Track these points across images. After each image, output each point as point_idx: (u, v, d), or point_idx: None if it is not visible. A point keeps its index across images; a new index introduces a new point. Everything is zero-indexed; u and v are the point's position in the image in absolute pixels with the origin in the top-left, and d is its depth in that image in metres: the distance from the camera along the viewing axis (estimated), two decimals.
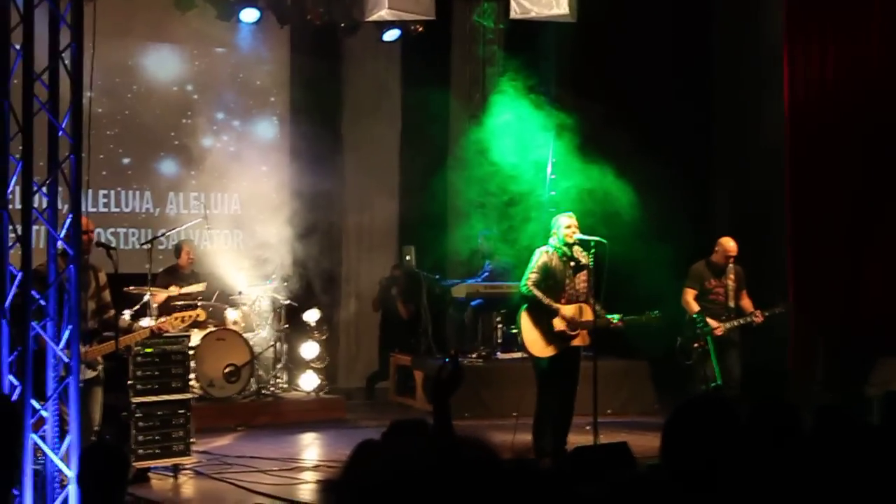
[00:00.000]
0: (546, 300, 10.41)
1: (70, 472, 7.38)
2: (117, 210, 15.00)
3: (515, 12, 14.13)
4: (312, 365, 14.16)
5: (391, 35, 15.63)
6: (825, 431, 5.22)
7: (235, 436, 12.52)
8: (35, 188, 7.53)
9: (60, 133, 7.58)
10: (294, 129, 16.02)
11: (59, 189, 7.68)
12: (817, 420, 5.34)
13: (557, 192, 14.48)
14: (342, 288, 16.55)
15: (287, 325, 14.05)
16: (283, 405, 13.64)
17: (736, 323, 11.85)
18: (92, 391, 9.24)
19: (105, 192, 14.91)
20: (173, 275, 13.56)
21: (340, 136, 16.44)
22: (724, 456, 4.03)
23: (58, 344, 7.56)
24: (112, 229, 14.74)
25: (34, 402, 7.43)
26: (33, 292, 7.45)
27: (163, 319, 10.33)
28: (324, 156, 15.76)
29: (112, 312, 9.63)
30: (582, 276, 10.57)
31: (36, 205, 7.61)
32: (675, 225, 14.58)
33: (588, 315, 10.45)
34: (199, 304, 13.16)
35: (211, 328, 13.22)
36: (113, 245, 9.41)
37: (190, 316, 10.24)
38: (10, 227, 7.53)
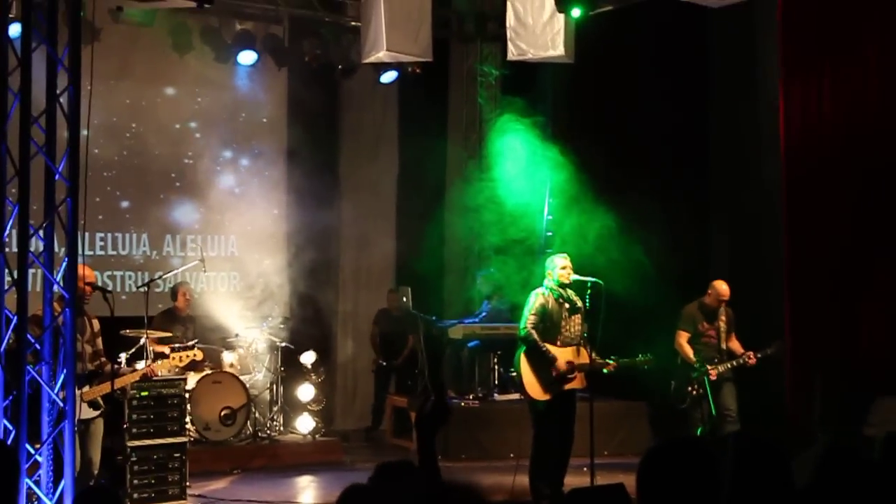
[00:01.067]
0: (543, 348, 10.40)
1: None
2: (114, 253, 14.93)
3: (513, 54, 14.14)
4: (309, 407, 14.13)
5: (388, 77, 15.67)
6: (834, 472, 5.21)
7: (231, 479, 12.43)
8: (31, 231, 7.53)
9: (57, 177, 7.59)
10: (292, 170, 16.01)
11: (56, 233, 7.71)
12: (825, 460, 5.32)
13: (555, 232, 14.49)
14: (339, 330, 16.50)
15: (283, 368, 13.99)
16: (280, 448, 13.56)
17: (729, 365, 11.84)
18: (93, 431, 9.20)
19: (102, 234, 14.85)
20: (170, 318, 13.53)
21: (338, 177, 16.46)
22: (698, 500, 3.99)
23: (53, 388, 7.55)
24: (109, 272, 14.69)
25: (28, 447, 7.41)
26: (28, 336, 7.45)
27: (159, 362, 10.33)
28: (321, 197, 15.78)
29: (101, 360, 9.62)
30: (577, 318, 10.57)
31: (33, 248, 7.62)
32: (672, 265, 14.58)
33: (584, 357, 10.44)
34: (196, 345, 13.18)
35: (207, 371, 13.19)
36: (109, 288, 9.38)
37: (187, 356, 10.24)
38: (6, 271, 7.53)
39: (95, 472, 9.31)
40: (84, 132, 7.84)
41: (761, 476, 4.77)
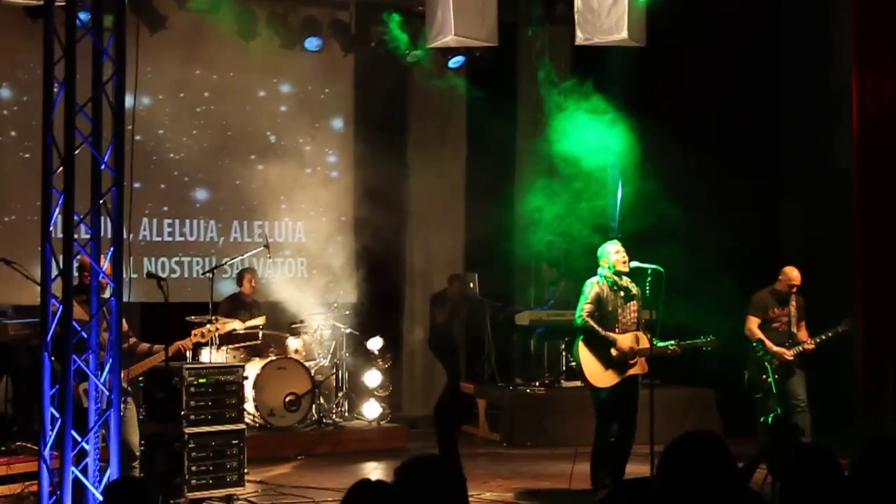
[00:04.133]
0: (602, 332, 10.26)
1: None
2: (181, 239, 14.99)
3: (580, 39, 13.98)
4: (375, 393, 14.12)
5: (456, 61, 15.54)
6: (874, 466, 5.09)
7: (294, 465, 12.49)
8: (77, 220, 7.55)
9: (103, 167, 7.61)
10: (359, 155, 15.99)
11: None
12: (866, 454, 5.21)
13: (626, 216, 14.37)
14: (406, 315, 16.46)
15: (349, 354, 14.00)
16: (344, 434, 13.57)
17: (795, 350, 11.62)
18: (126, 416, 9.17)
19: (169, 220, 14.90)
20: (236, 303, 13.61)
21: (406, 162, 16.40)
22: (718, 493, 4.00)
23: (99, 377, 7.58)
24: (176, 258, 14.78)
25: (75, 434, 7.45)
26: (74, 324, 7.49)
27: (188, 339, 10.25)
28: (389, 181, 15.74)
29: (132, 341, 9.59)
30: (632, 305, 10.42)
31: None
32: (744, 251, 14.40)
33: (644, 343, 10.29)
34: (261, 332, 13.23)
35: (272, 357, 13.23)
36: (163, 276, 9.38)
37: (209, 330, 10.23)
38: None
39: (137, 453, 9.31)
40: (139, 99, 7.80)
41: (814, 481, 4.73)
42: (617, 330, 10.32)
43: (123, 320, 9.36)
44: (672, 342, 10.44)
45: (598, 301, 10.30)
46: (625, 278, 10.39)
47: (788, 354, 11.55)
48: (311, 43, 14.84)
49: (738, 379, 11.94)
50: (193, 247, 15.05)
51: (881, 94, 13.29)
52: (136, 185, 8.55)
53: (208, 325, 10.32)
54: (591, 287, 10.36)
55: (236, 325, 10.88)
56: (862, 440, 5.36)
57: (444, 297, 15.12)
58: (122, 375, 9.03)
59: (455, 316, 14.93)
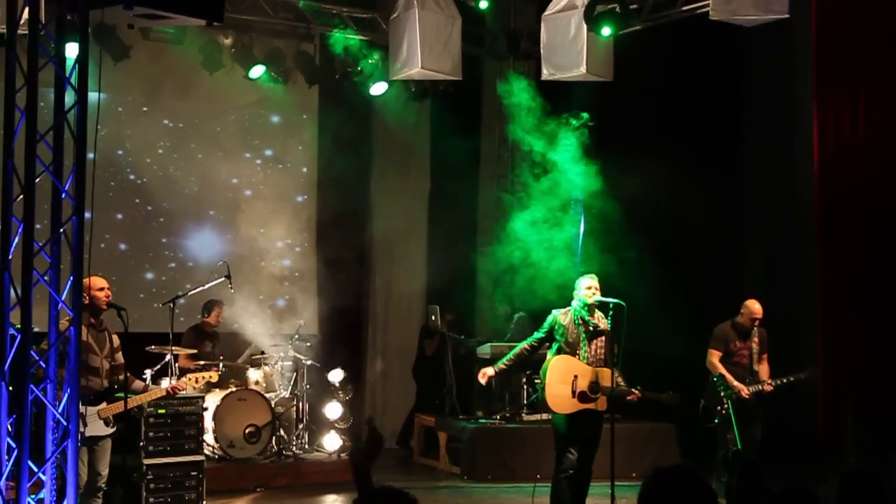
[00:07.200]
0: (511, 353, 10.62)
1: None
2: (143, 270, 14.98)
3: (545, 74, 14.14)
4: (336, 425, 14.05)
5: (380, 89, 15.34)
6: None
7: (253, 497, 12.42)
8: (36, 248, 7.49)
9: (63, 195, 7.56)
10: (322, 187, 16.01)
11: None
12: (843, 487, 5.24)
13: (587, 251, 14.41)
14: (368, 348, 16.44)
15: (309, 385, 13.94)
16: (304, 466, 13.48)
17: (754, 388, 11.64)
18: (103, 447, 9.13)
19: (127, 248, 14.89)
20: (199, 333, 13.57)
21: (369, 194, 16.41)
22: None
23: (58, 406, 7.52)
24: (138, 288, 14.73)
25: (31, 465, 7.38)
26: (32, 353, 7.43)
27: (183, 380, 10.25)
28: (352, 213, 15.80)
29: (128, 376, 9.53)
30: (599, 341, 10.32)
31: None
32: (706, 285, 14.45)
33: (606, 380, 10.22)
34: (221, 363, 13.14)
35: (232, 388, 13.15)
36: (124, 307, 9.29)
37: (203, 377, 10.17)
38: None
39: (103, 484, 9.23)
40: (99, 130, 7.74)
41: None
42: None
43: (120, 354, 9.36)
44: (637, 388, 10.38)
45: (551, 329, 10.31)
46: (597, 313, 10.33)
47: (746, 391, 11.57)
48: (255, 71, 14.81)
49: (697, 413, 11.95)
50: (153, 275, 15.00)
51: (842, 129, 13.37)
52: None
53: (203, 373, 10.26)
54: (554, 317, 10.33)
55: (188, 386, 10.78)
56: (838, 474, 5.39)
57: (434, 329, 15.17)
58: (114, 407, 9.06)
59: (444, 349, 15.00)
